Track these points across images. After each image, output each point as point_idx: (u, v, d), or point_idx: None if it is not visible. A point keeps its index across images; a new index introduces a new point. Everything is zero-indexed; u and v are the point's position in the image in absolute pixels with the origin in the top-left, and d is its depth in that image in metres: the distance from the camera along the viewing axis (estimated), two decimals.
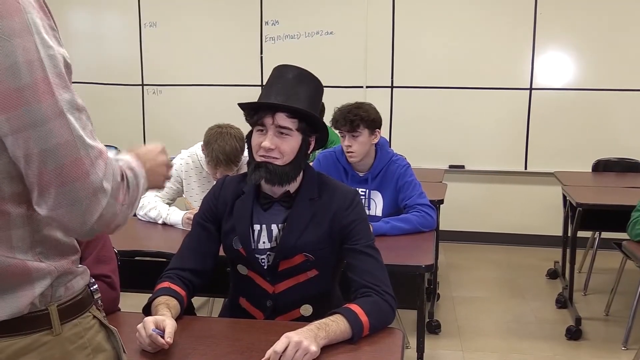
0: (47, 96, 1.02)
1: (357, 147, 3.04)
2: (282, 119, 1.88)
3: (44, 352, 1.11)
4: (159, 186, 1.37)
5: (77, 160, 1.04)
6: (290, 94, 1.89)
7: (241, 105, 1.95)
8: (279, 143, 1.89)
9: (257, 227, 2.01)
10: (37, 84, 1.01)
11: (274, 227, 2.00)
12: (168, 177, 1.39)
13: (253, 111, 1.93)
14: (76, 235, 1.13)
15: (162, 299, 1.86)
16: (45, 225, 1.12)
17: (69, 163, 1.04)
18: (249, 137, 1.97)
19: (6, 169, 1.05)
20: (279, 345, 1.57)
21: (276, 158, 1.90)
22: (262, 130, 1.91)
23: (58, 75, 1.04)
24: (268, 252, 1.99)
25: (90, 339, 1.19)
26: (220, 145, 3.01)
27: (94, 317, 1.22)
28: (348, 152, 3.07)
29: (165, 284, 1.93)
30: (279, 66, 1.99)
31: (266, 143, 1.88)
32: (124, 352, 1.28)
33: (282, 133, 1.89)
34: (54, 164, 1.03)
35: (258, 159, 1.92)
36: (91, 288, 1.25)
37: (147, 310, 1.85)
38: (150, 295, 1.91)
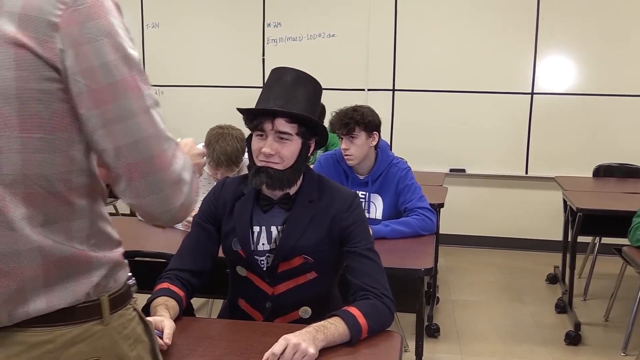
0: (135, 91, 1.10)
1: (355, 150, 3.04)
2: (281, 124, 1.88)
3: (94, 342, 1.14)
4: (200, 173, 1.48)
5: (162, 152, 1.13)
6: (289, 97, 1.89)
7: (240, 110, 1.95)
8: (279, 148, 1.89)
9: (256, 228, 2.01)
10: (126, 80, 1.09)
11: (273, 229, 2.00)
12: (203, 165, 1.52)
13: (252, 116, 1.93)
14: (160, 222, 1.20)
15: (161, 299, 1.86)
16: (99, 218, 1.17)
17: (154, 155, 1.12)
18: (249, 141, 1.97)
19: (79, 161, 1.11)
20: (277, 347, 1.57)
21: (276, 163, 1.90)
22: (261, 135, 1.91)
23: (140, 72, 1.12)
24: (267, 254, 1.99)
25: (133, 329, 1.22)
26: (222, 146, 3.01)
27: (134, 309, 1.26)
28: (346, 155, 3.07)
29: (164, 285, 1.93)
30: (276, 68, 1.99)
31: (266, 149, 1.88)
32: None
33: (282, 138, 1.89)
34: (141, 156, 1.11)
35: (258, 163, 1.93)
36: (129, 281, 1.28)
37: (146, 311, 1.85)
38: (150, 296, 1.91)
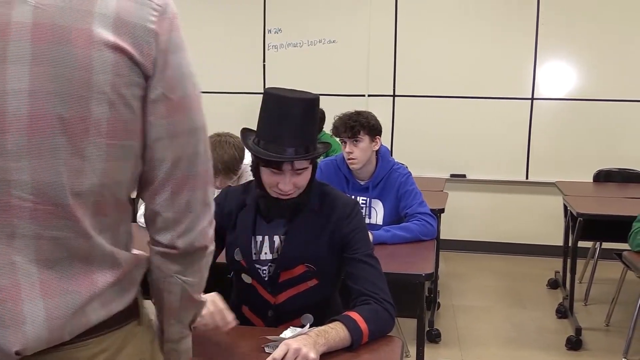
0: (200, 107, 1.15)
1: (359, 154, 3.05)
2: (300, 164, 1.89)
3: (138, 343, 1.14)
4: None
5: (207, 170, 1.16)
6: (303, 133, 1.86)
7: (257, 156, 1.89)
8: (296, 181, 1.91)
9: (259, 238, 2.02)
10: (196, 95, 1.13)
11: (276, 238, 2.01)
12: None
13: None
14: (180, 241, 1.15)
15: None
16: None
17: (203, 171, 1.14)
18: (256, 168, 1.94)
19: (139, 168, 1.11)
20: (278, 353, 1.57)
21: (293, 192, 1.92)
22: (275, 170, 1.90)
23: (200, 89, 1.15)
24: (270, 264, 2.00)
25: (153, 326, 1.23)
26: (219, 154, 3.00)
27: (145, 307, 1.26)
28: (349, 159, 3.07)
29: None
30: (280, 97, 1.87)
31: (286, 187, 1.89)
32: None
33: (298, 173, 1.90)
34: (194, 170, 1.13)
35: (273, 194, 1.93)
36: None
37: None
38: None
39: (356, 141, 3.04)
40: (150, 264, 1.18)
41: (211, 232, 1.19)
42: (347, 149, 3.06)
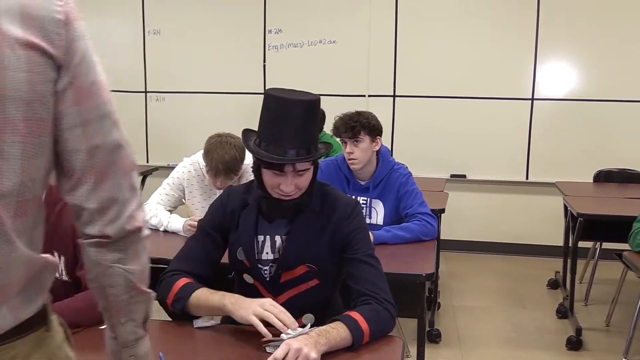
0: (107, 93, 1.09)
1: (359, 154, 3.06)
2: (301, 165, 1.89)
3: (47, 349, 1.10)
4: None
5: (128, 156, 1.12)
6: (304, 135, 1.87)
7: (259, 158, 1.90)
8: (298, 182, 1.91)
9: (261, 237, 2.02)
10: (102, 81, 1.09)
11: (277, 238, 2.01)
12: None
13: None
14: (109, 229, 1.12)
15: (206, 290, 1.90)
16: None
17: (123, 157, 1.11)
18: (257, 169, 1.95)
19: (52, 163, 1.08)
20: (279, 352, 1.58)
21: (295, 193, 1.93)
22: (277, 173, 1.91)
23: (104, 76, 1.11)
24: (271, 264, 2.01)
25: (61, 330, 1.18)
26: (220, 155, 3.00)
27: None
28: (350, 159, 3.08)
29: (188, 280, 1.95)
30: (280, 99, 1.88)
31: (288, 188, 1.89)
32: None
33: (300, 174, 1.91)
34: (112, 157, 1.09)
35: (275, 195, 1.94)
36: None
37: (184, 309, 1.89)
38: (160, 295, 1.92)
39: (357, 141, 3.04)
40: (87, 264, 1.14)
41: (141, 214, 1.16)
42: (348, 149, 3.07)
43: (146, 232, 1.17)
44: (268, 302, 1.77)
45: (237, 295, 1.83)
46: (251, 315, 1.72)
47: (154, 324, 1.87)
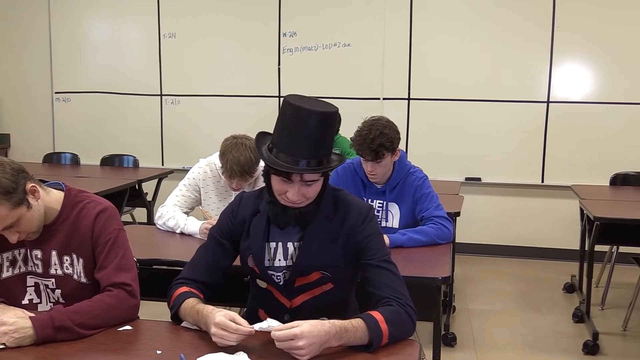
0: None
1: (380, 171, 3.04)
2: (309, 176, 1.88)
3: None
4: None
5: None
6: (316, 146, 1.85)
7: (270, 167, 1.90)
8: (305, 191, 1.90)
9: (273, 244, 2.02)
10: None
11: (290, 245, 2.01)
12: None
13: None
14: None
15: (194, 300, 1.90)
16: None
17: None
18: (267, 174, 1.95)
19: None
20: (284, 333, 1.63)
21: (302, 203, 1.92)
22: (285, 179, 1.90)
23: None
24: (284, 270, 2.01)
25: None
26: (235, 156, 3.02)
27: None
28: (371, 176, 3.07)
29: (185, 289, 1.96)
30: (297, 108, 1.85)
31: (293, 197, 1.89)
32: None
33: (308, 185, 1.90)
34: None
35: (281, 201, 1.94)
36: None
37: (176, 316, 1.92)
38: (167, 302, 1.94)
39: (379, 160, 3.03)
40: None
41: None
42: (369, 168, 3.03)
43: None
44: (215, 326, 1.73)
45: (206, 316, 1.79)
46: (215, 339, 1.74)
47: (163, 325, 1.88)
